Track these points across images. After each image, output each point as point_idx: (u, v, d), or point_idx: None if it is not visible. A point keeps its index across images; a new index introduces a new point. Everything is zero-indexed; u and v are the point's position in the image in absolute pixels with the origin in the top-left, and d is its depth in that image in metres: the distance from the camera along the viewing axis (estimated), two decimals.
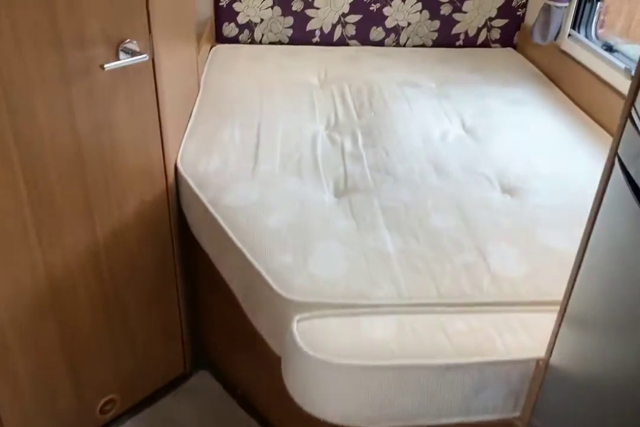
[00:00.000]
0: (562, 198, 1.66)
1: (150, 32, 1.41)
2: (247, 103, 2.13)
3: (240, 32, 2.70)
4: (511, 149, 1.92)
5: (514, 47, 2.84)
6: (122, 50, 1.37)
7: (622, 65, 2.04)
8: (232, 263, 1.47)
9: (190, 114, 2.01)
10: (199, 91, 2.19)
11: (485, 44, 2.83)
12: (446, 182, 1.72)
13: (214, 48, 2.63)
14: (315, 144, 1.90)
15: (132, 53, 1.37)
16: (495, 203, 1.63)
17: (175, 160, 1.72)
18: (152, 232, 1.64)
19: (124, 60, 1.35)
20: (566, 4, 2.31)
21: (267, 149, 1.83)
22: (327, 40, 2.75)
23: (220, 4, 2.62)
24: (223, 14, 2.64)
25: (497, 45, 2.84)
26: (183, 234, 1.74)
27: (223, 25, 2.67)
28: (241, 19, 2.67)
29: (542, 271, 1.38)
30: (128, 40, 1.36)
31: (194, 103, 2.09)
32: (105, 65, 1.30)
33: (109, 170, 1.47)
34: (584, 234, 1.02)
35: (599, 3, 2.30)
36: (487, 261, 1.39)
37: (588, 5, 2.32)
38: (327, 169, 1.76)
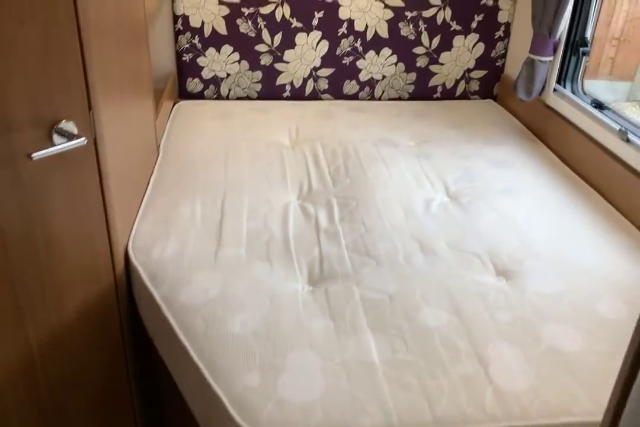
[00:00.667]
0: (564, 283, 1.48)
1: (90, 109, 1.21)
2: (211, 170, 1.94)
3: (206, 87, 2.53)
4: (501, 221, 1.75)
5: (494, 98, 2.72)
6: (56, 132, 1.17)
7: (616, 126, 1.91)
8: (190, 379, 1.25)
9: (148, 184, 1.81)
10: (158, 156, 1.99)
11: (464, 96, 2.71)
12: (434, 264, 1.54)
13: (177, 104, 2.45)
14: (287, 218, 1.70)
15: (69, 136, 1.17)
16: (491, 290, 1.45)
17: (126, 246, 1.51)
18: (99, 335, 1.41)
19: (58, 146, 1.15)
20: (550, 58, 2.19)
21: (233, 227, 1.63)
22: (298, 94, 2.59)
23: (183, 58, 2.45)
24: (186, 69, 2.48)
25: (477, 97, 2.72)
26: (137, 333, 1.51)
27: (187, 81, 2.51)
28: (206, 74, 2.50)
29: (551, 381, 1.19)
30: (64, 120, 1.17)
31: (152, 171, 1.89)
32: (34, 155, 1.10)
33: (44, 268, 1.25)
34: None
35: (584, 57, 2.18)
36: (488, 371, 1.19)
37: (573, 59, 2.20)
38: (300, 251, 1.56)
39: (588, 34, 2.15)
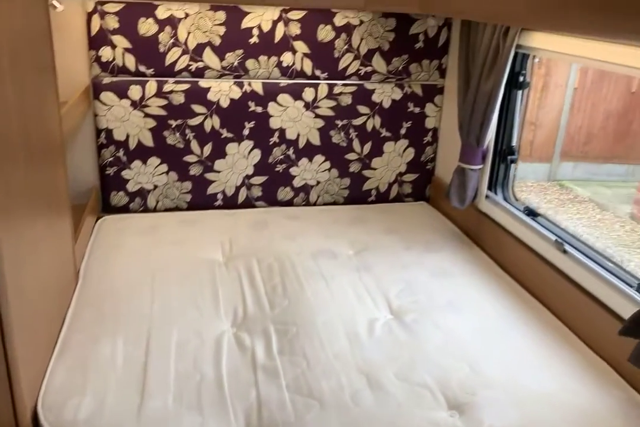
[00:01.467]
0: (520, 414, 1.38)
1: None
2: (136, 298, 1.78)
3: (131, 200, 2.42)
4: (448, 342, 1.66)
5: (427, 200, 2.73)
6: None
7: (552, 237, 1.91)
8: None
9: (64, 320, 1.63)
10: (77, 284, 1.82)
11: (398, 199, 2.71)
12: (383, 402, 1.41)
13: (100, 220, 2.31)
14: (220, 353, 1.55)
15: None
16: None
17: (35, 404, 1.31)
18: None
19: None
20: (480, 166, 2.22)
21: (158, 371, 1.46)
22: (230, 203, 2.52)
23: (107, 172, 2.35)
24: (110, 182, 2.37)
25: (410, 199, 2.73)
26: None
27: (111, 195, 2.39)
28: (131, 187, 2.39)
29: None
30: None
31: (70, 303, 1.71)
32: None
33: None
34: None
35: (512, 164, 2.23)
36: None
37: (502, 167, 2.24)
38: (236, 395, 1.40)
39: (514, 143, 2.21)
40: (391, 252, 2.18)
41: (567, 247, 1.83)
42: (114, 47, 2.21)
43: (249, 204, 2.54)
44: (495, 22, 1.90)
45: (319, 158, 2.55)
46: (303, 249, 2.16)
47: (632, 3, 1.00)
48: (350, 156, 2.59)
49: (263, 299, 1.83)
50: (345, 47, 2.40)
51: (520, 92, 2.13)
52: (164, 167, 2.40)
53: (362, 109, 2.52)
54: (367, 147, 2.59)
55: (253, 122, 2.42)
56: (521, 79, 2.10)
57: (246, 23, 2.29)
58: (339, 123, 2.51)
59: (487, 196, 2.28)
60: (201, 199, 2.48)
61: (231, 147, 2.44)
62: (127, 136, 2.32)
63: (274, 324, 1.70)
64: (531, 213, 2.09)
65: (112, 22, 2.18)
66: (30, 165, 1.37)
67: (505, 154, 2.22)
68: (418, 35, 2.45)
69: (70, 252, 1.80)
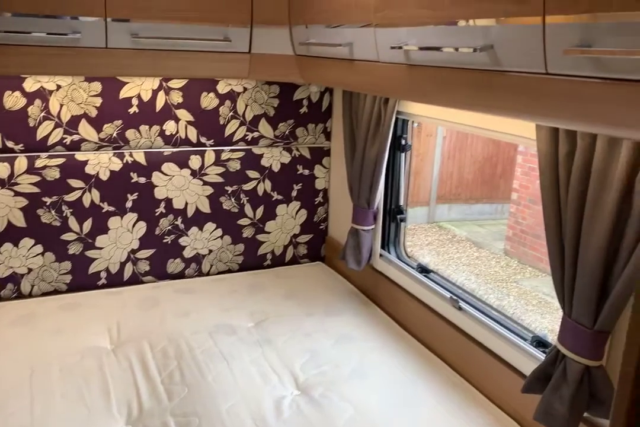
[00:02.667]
0: None
1: None
2: (12, 404, 1.57)
3: (2, 287, 2.18)
4: (357, 415, 1.61)
5: (323, 259, 2.72)
6: None
7: (446, 293, 1.95)
8: None
9: None
10: None
11: (294, 261, 2.68)
12: None
13: None
14: None
15: None
16: None
17: None
18: None
19: None
20: (372, 227, 2.25)
21: None
22: (116, 281, 2.35)
23: None
24: None
25: (306, 260, 2.70)
26: None
27: None
28: (1, 273, 2.16)
29: None
30: None
31: None
32: None
33: None
34: None
35: (402, 223, 2.28)
36: None
37: (393, 226, 2.29)
38: None
39: (402, 202, 2.27)
40: (292, 320, 2.12)
41: (462, 304, 1.88)
42: None
43: (136, 280, 2.38)
44: (376, 94, 1.97)
45: (210, 226, 2.47)
46: (199, 326, 2.04)
47: (500, 82, 1.07)
48: (243, 222, 2.53)
49: (159, 389, 1.68)
50: (231, 113, 2.39)
51: (403, 154, 2.21)
52: (39, 248, 2.20)
53: (252, 173, 2.49)
54: (260, 211, 2.55)
55: (136, 194, 2.31)
56: (403, 142, 2.18)
57: (124, 93, 2.20)
58: (229, 189, 2.46)
59: (381, 255, 2.31)
60: (82, 279, 2.29)
61: (114, 221, 2.30)
62: None
63: (174, 416, 1.57)
64: (424, 270, 2.14)
65: None
66: None
67: (394, 213, 2.27)
68: (302, 101, 2.49)
69: None
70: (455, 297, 1.91)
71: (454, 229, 7.08)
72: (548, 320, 4.61)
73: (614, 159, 1.15)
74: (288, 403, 1.66)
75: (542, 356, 1.54)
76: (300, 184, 2.60)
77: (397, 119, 2.09)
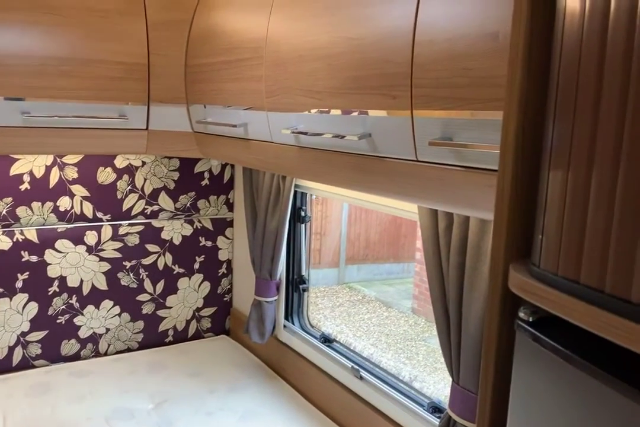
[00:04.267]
0: None
1: None
2: None
3: None
4: None
5: (227, 333, 2.68)
6: None
7: (348, 363, 1.97)
8: None
9: None
10: None
11: (198, 336, 2.62)
12: None
13: None
14: None
15: None
16: None
17: None
18: None
19: None
20: (275, 298, 2.27)
21: None
22: (3, 367, 2.19)
23: None
24: None
25: (211, 334, 2.65)
26: None
27: None
28: None
29: None
30: None
31: None
32: None
33: None
34: None
35: (305, 293, 2.31)
36: None
37: (296, 296, 2.31)
38: None
39: (304, 272, 2.31)
40: (195, 399, 2.06)
41: (363, 373, 1.90)
42: None
43: (26, 364, 2.23)
44: (271, 171, 2.05)
45: (107, 303, 2.38)
46: (94, 412, 1.93)
47: (378, 166, 1.16)
48: (142, 297, 2.46)
49: None
50: (129, 188, 2.37)
51: (303, 225, 2.28)
52: None
53: (152, 247, 2.45)
54: (160, 285, 2.50)
55: (27, 273, 2.20)
56: (302, 213, 2.25)
57: (15, 170, 2.14)
58: (128, 264, 2.41)
59: (285, 326, 2.31)
60: None
61: (1, 303, 2.17)
62: None
63: None
64: (327, 340, 2.16)
65: None
66: None
67: (297, 283, 2.31)
68: (203, 173, 2.53)
69: None
70: (356, 367, 1.94)
71: (363, 290, 7.20)
72: None
73: (487, 233, 1.26)
74: None
75: (437, 422, 1.58)
76: (203, 256, 2.58)
77: (295, 191, 2.17)
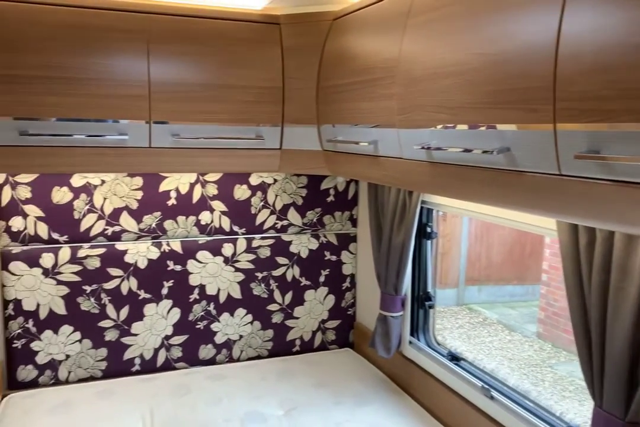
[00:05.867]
0: None
1: None
2: None
3: (41, 373, 2.23)
4: None
5: (351, 346, 2.73)
6: None
7: (477, 382, 1.93)
8: None
9: None
10: None
11: (323, 347, 2.69)
12: None
13: (6, 399, 2.10)
14: None
15: None
16: None
17: None
18: None
19: None
20: (401, 313, 2.28)
21: None
22: (149, 367, 2.39)
23: (14, 345, 2.18)
24: (18, 356, 2.19)
25: (335, 346, 2.71)
26: None
27: (18, 369, 2.20)
28: (41, 359, 2.23)
29: None
30: None
31: None
32: None
33: None
34: None
35: (430, 310, 2.30)
36: None
37: (422, 312, 2.31)
38: None
39: (429, 288, 2.31)
40: (322, 409, 2.11)
41: (494, 393, 1.86)
42: (25, 216, 2.18)
43: (168, 366, 2.42)
44: (400, 187, 2.08)
45: (241, 311, 2.53)
46: (231, 414, 2.04)
47: (517, 181, 1.15)
48: (272, 307, 2.58)
49: None
50: (262, 203, 2.51)
51: (429, 241, 2.28)
52: (77, 335, 2.27)
53: (281, 260, 2.57)
54: (289, 296, 2.60)
55: (172, 281, 2.40)
56: (429, 229, 2.26)
57: (164, 187, 2.36)
58: (259, 275, 2.54)
59: (410, 342, 2.31)
60: (117, 366, 2.34)
61: (149, 308, 2.37)
62: (38, 305, 2.20)
63: None
64: (454, 358, 2.13)
65: (24, 192, 2.17)
66: None
67: (422, 300, 2.30)
68: (329, 190, 2.62)
69: None
70: (487, 387, 1.89)
71: (484, 312, 6.95)
72: (587, 408, 4.41)
73: (634, 251, 1.20)
74: None
75: None
76: (328, 270, 2.66)
77: (422, 207, 2.18)
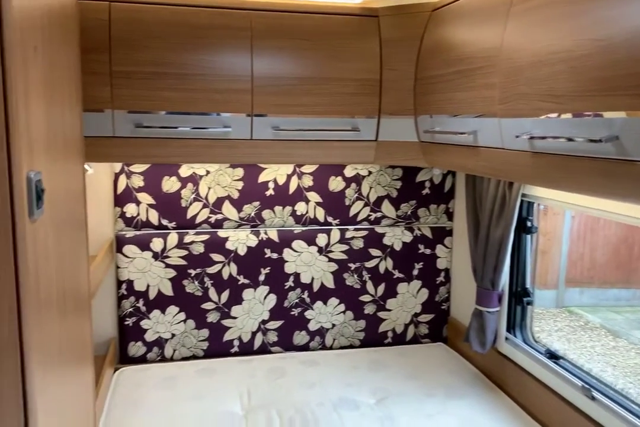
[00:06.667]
0: None
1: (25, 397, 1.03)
2: None
3: (149, 350, 2.40)
4: None
5: (445, 340, 2.70)
6: None
7: (577, 382, 1.86)
8: None
9: None
10: None
11: (415, 340, 2.68)
12: None
13: (118, 372, 2.28)
14: None
15: None
16: None
17: None
18: None
19: None
20: (497, 309, 2.24)
21: None
22: (247, 349, 2.50)
23: (126, 322, 2.36)
24: (129, 332, 2.37)
25: (427, 340, 2.70)
26: None
27: (129, 345, 2.38)
28: (149, 337, 2.40)
29: None
30: None
31: None
32: None
33: None
34: None
35: (528, 306, 2.24)
36: None
37: (519, 309, 2.25)
38: None
39: (528, 285, 2.25)
40: (414, 400, 2.12)
41: (595, 394, 1.78)
42: (138, 203, 2.35)
43: (264, 349, 2.52)
44: (500, 178, 2.03)
45: (334, 301, 2.58)
46: (324, 398, 2.10)
47: (627, 170, 1.10)
48: (365, 298, 2.61)
49: None
50: (356, 195, 2.55)
51: (529, 236, 2.22)
52: (182, 316, 2.42)
53: (374, 251, 2.60)
54: (381, 288, 2.62)
55: (269, 268, 2.49)
56: (529, 224, 2.19)
57: (263, 178, 2.45)
58: (352, 266, 2.58)
59: (506, 338, 2.26)
60: (217, 347, 2.47)
61: (247, 293, 2.48)
62: (148, 286, 2.37)
63: None
64: (553, 356, 2.06)
65: (138, 181, 2.34)
66: (63, 320, 1.39)
67: (520, 296, 2.24)
68: (424, 183, 2.61)
69: (92, 408, 1.74)
70: (587, 386, 1.82)
71: (586, 316, 6.61)
72: None
73: None
74: None
75: None
76: (422, 263, 2.65)
77: (522, 201, 2.12)
